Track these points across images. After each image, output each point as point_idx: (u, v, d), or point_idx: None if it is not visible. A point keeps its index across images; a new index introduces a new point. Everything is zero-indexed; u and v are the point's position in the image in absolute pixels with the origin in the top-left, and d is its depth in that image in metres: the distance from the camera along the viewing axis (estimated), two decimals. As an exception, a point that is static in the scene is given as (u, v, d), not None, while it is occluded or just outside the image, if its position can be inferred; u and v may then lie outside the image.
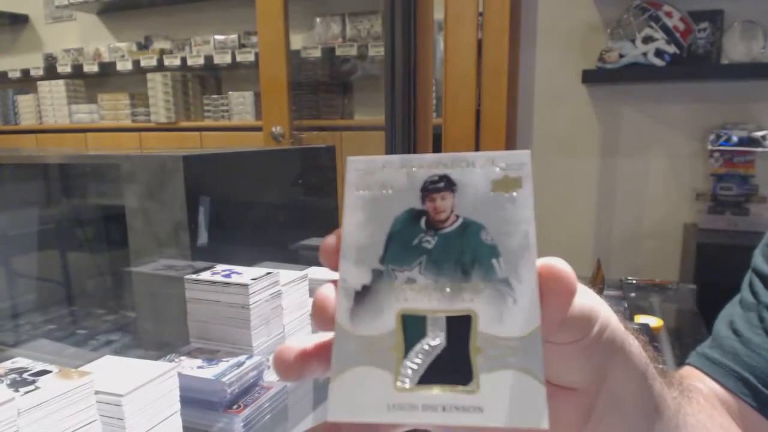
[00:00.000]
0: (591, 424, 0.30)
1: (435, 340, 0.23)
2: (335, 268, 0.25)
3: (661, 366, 0.34)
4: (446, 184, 0.25)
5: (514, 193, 0.24)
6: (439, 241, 0.24)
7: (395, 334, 0.23)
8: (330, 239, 0.25)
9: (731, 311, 0.56)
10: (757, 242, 0.58)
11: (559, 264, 0.23)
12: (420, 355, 0.23)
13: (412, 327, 0.23)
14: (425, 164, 0.25)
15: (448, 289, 0.23)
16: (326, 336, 0.24)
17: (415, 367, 0.22)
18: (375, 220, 0.25)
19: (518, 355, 0.22)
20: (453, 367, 0.22)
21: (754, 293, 0.54)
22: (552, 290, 0.23)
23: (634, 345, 0.30)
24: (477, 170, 0.25)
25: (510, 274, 0.23)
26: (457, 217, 0.24)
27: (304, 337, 0.25)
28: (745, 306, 0.54)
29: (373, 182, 0.25)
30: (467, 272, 0.23)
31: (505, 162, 0.25)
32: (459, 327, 0.23)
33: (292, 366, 0.24)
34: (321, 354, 0.24)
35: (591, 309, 0.26)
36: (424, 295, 0.23)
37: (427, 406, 0.21)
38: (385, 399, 0.22)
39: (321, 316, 0.24)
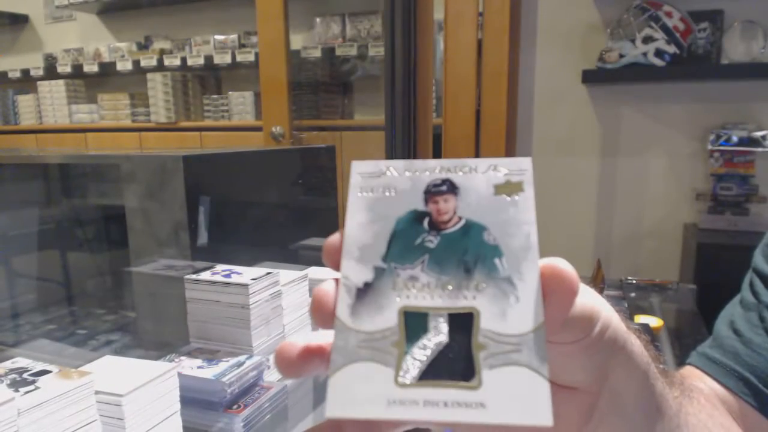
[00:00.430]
0: (592, 423, 0.30)
1: (437, 337, 0.23)
2: (337, 268, 0.25)
3: (662, 366, 0.34)
4: (449, 187, 0.25)
5: (516, 197, 0.25)
6: (441, 240, 0.24)
7: (397, 330, 0.23)
8: (333, 238, 0.25)
9: (732, 311, 0.56)
10: (758, 242, 0.58)
11: (562, 264, 0.24)
12: (422, 351, 0.22)
13: (414, 323, 0.23)
14: (428, 168, 0.26)
15: (450, 287, 0.23)
16: (328, 334, 0.24)
17: (417, 363, 0.22)
18: (378, 220, 0.25)
19: (522, 351, 0.22)
20: (455, 363, 0.22)
21: (754, 293, 0.54)
22: (554, 289, 0.23)
23: (636, 344, 0.30)
24: (479, 175, 0.25)
25: (513, 273, 0.23)
26: (460, 218, 0.25)
27: (306, 334, 0.25)
28: (745, 306, 0.54)
29: (377, 185, 0.26)
30: (470, 271, 0.24)
31: (507, 167, 0.25)
32: (461, 324, 0.23)
33: (294, 363, 0.24)
34: (323, 351, 0.24)
35: (592, 308, 0.26)
36: (427, 292, 0.23)
37: (428, 401, 0.21)
38: (385, 394, 0.21)
39: (320, 312, 0.24)
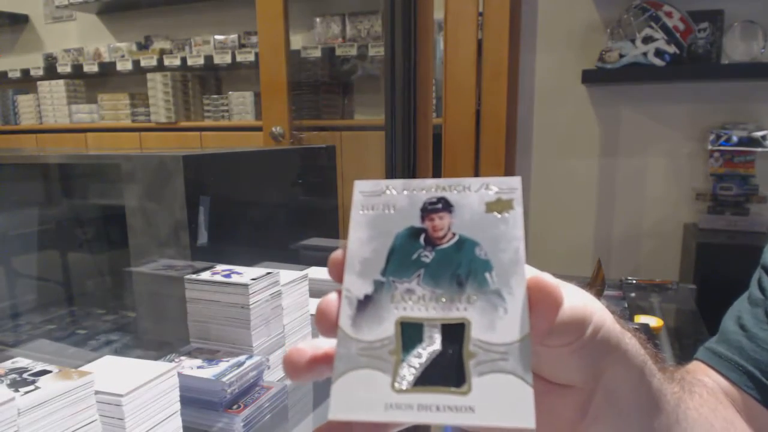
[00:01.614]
0: (588, 419, 0.31)
1: (431, 346, 0.24)
2: (341, 281, 0.26)
3: (661, 362, 0.35)
4: (444, 205, 0.27)
5: (506, 214, 0.27)
6: (436, 255, 0.26)
7: (394, 339, 0.25)
8: (337, 253, 0.27)
9: (739, 307, 0.57)
10: (758, 242, 0.58)
11: (547, 278, 0.25)
12: (417, 360, 0.24)
13: (410, 333, 0.25)
14: (425, 187, 0.28)
15: (444, 300, 0.25)
16: (332, 341, 0.25)
17: (412, 370, 0.24)
18: (378, 236, 0.27)
19: (508, 359, 0.23)
20: (447, 370, 0.24)
21: (762, 289, 0.56)
22: (540, 301, 0.25)
23: (631, 343, 0.31)
24: (473, 193, 0.27)
25: (502, 287, 0.25)
26: (454, 234, 0.26)
27: (313, 342, 0.27)
28: (752, 302, 0.56)
29: (377, 203, 0.28)
30: (462, 284, 0.25)
31: (498, 186, 0.27)
32: (453, 334, 0.24)
33: (302, 369, 0.26)
34: (329, 358, 0.25)
35: (583, 313, 0.28)
36: (422, 304, 0.25)
37: (422, 405, 0.23)
38: (383, 399, 0.23)
39: (324, 323, 0.26)
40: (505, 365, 0.23)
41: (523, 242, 0.26)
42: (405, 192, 0.28)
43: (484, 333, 0.24)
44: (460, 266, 0.26)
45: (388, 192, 0.28)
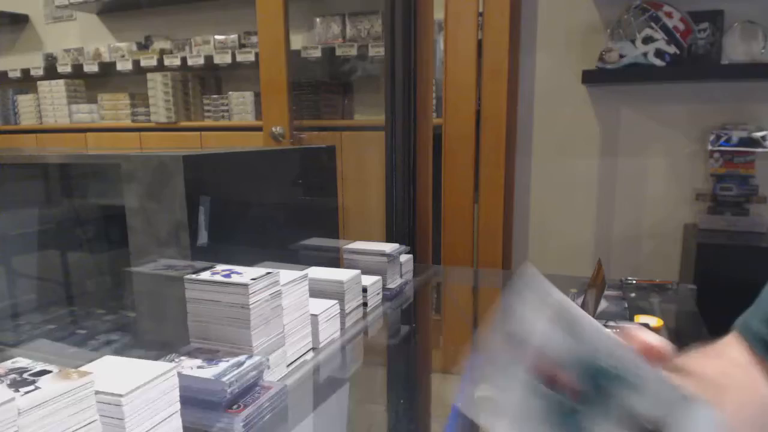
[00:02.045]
0: None
1: None
2: None
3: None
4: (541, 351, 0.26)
5: (567, 318, 0.25)
6: (582, 401, 0.25)
7: None
8: None
9: None
10: (758, 242, 0.58)
11: (649, 338, 0.29)
12: None
13: None
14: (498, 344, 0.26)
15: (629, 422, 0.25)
16: None
17: None
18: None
19: (678, 405, 0.24)
20: None
21: None
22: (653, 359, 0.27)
23: None
24: (531, 319, 0.25)
25: (635, 380, 0.25)
26: (569, 372, 0.25)
27: None
28: None
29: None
30: (613, 396, 0.25)
31: (534, 295, 0.26)
32: None
33: None
34: None
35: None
36: None
37: None
38: None
39: None
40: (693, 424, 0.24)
41: (597, 322, 0.25)
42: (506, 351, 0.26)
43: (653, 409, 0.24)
44: (598, 386, 0.25)
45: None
